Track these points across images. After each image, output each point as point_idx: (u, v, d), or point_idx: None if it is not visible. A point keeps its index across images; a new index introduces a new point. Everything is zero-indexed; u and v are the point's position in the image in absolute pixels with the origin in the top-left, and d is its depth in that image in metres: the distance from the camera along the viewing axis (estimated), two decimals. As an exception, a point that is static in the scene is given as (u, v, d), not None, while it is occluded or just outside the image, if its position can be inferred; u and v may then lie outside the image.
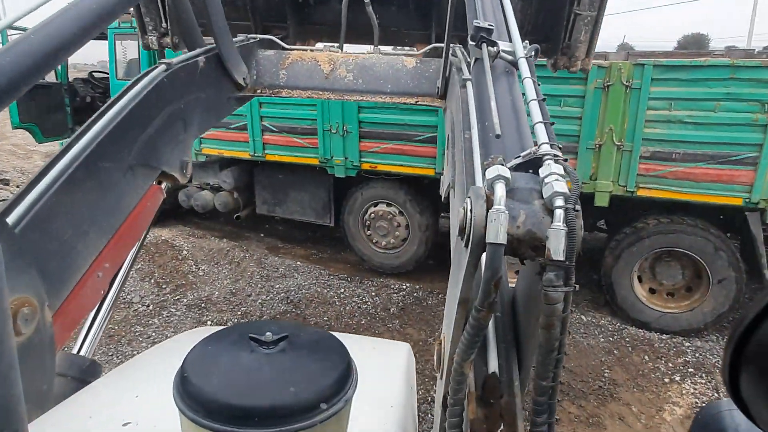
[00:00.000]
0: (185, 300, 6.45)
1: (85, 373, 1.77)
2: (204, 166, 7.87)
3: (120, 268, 2.13)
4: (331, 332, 1.05)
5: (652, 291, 6.02)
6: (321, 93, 2.96)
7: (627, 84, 5.20)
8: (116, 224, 1.84)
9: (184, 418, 0.82)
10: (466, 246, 0.93)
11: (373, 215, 7.03)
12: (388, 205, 6.93)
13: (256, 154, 7.26)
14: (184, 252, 7.77)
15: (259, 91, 2.91)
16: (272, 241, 8.53)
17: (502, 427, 1.02)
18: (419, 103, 2.86)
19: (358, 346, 1.12)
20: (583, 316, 6.17)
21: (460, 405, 0.98)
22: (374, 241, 7.17)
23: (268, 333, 0.93)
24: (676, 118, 5.16)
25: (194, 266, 7.36)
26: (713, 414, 1.04)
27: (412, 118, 6.29)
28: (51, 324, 1.47)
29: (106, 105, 1.85)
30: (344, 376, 0.91)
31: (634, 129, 5.32)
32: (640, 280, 5.97)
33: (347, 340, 1.02)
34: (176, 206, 8.37)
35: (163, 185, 2.17)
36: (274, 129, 7.04)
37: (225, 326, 1.08)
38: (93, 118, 1.79)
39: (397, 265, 7.11)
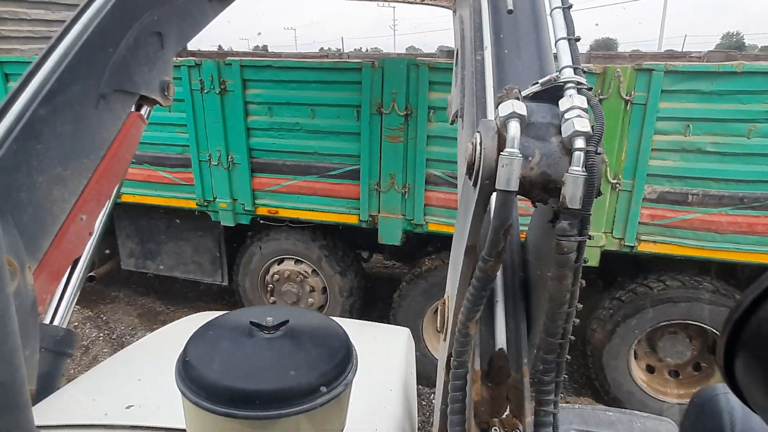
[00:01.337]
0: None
1: (61, 344, 1.63)
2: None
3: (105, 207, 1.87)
4: (331, 317, 1.04)
5: (650, 369, 4.53)
6: None
7: (627, 97, 3.64)
8: (95, 161, 1.71)
9: (186, 401, 0.82)
10: (474, 186, 0.86)
11: (277, 276, 5.10)
12: (297, 262, 5.03)
13: (107, 194, 5.12)
14: (10, 333, 5.47)
15: None
16: (148, 302, 6.37)
17: (507, 409, 0.93)
18: (426, 3, 2.66)
19: (358, 331, 1.07)
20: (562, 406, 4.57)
21: (463, 367, 0.94)
22: (281, 309, 5.24)
23: (268, 318, 0.91)
24: (695, 145, 3.66)
25: (19, 357, 5.09)
26: (709, 397, 1.03)
27: (325, 145, 4.45)
28: (32, 287, 1.41)
29: (62, 29, 1.63)
30: (344, 361, 0.89)
31: (635, 161, 3.78)
32: (635, 355, 4.45)
33: (347, 325, 1.01)
34: (6, 263, 6.04)
35: (144, 110, 1.97)
36: (132, 159, 4.94)
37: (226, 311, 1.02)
38: (49, 46, 1.59)
39: (313, 340, 5.22)
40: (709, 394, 1.06)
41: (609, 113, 3.69)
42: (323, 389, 0.83)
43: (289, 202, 4.69)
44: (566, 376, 1.04)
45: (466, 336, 0.92)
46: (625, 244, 3.97)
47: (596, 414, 1.64)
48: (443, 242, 4.58)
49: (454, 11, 2.15)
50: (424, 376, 4.18)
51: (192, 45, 6.59)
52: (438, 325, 1.15)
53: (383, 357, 1.68)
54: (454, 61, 1.75)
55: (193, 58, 4.52)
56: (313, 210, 4.64)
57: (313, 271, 4.99)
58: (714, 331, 4.06)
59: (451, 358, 0.96)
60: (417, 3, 2.66)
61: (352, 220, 4.57)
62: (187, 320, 1.98)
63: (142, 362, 1.62)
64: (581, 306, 0.95)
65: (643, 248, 3.97)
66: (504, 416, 0.93)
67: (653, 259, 4.12)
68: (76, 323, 5.62)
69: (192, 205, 4.95)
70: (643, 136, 3.69)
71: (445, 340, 1.10)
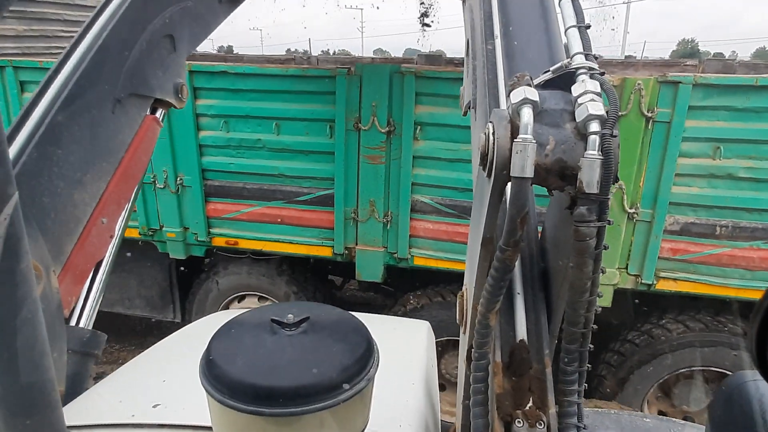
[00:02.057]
0: None
1: (87, 345, 1.64)
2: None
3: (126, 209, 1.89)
4: (351, 313, 1.03)
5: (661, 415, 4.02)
6: None
7: (649, 114, 3.11)
8: (113, 165, 1.75)
9: (211, 399, 0.83)
10: (489, 176, 0.86)
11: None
12: (261, 299, 4.34)
13: (32, 222, 4.32)
14: None
15: None
16: (89, 341, 5.54)
17: (530, 401, 0.92)
18: None
19: (378, 326, 1.08)
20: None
21: (485, 359, 0.95)
22: (242, 353, 4.54)
23: (289, 315, 0.93)
24: (725, 170, 3.16)
25: None
26: (738, 384, 1.02)
27: (293, 166, 3.79)
28: (57, 290, 1.46)
29: (76, 37, 1.68)
30: (366, 356, 0.90)
31: (656, 187, 3.26)
32: (647, 402, 3.94)
33: (367, 319, 1.00)
34: None
35: (159, 113, 1.98)
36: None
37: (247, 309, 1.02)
38: (64, 54, 1.64)
39: (280, 387, 4.54)
40: (738, 381, 1.04)
41: (627, 132, 3.16)
42: (346, 385, 0.83)
43: (250, 232, 4.01)
44: (589, 366, 0.98)
45: (487, 327, 0.92)
46: (642, 281, 3.45)
47: (633, 420, 1.63)
48: (431, 278, 3.97)
49: (464, 1, 2.01)
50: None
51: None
52: (457, 318, 1.14)
53: (404, 351, 1.69)
54: (465, 52, 1.67)
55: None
56: (279, 241, 3.97)
57: (280, 309, 4.31)
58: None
59: (472, 350, 0.95)
60: None
61: (325, 252, 3.92)
62: (208, 319, 2.03)
63: (167, 362, 1.63)
64: (599, 309, 0.90)
65: (663, 286, 3.46)
66: (527, 408, 0.92)
67: (672, 297, 3.61)
68: None
69: (134, 234, 4.20)
70: (666, 158, 3.17)
71: (464, 333, 1.10)
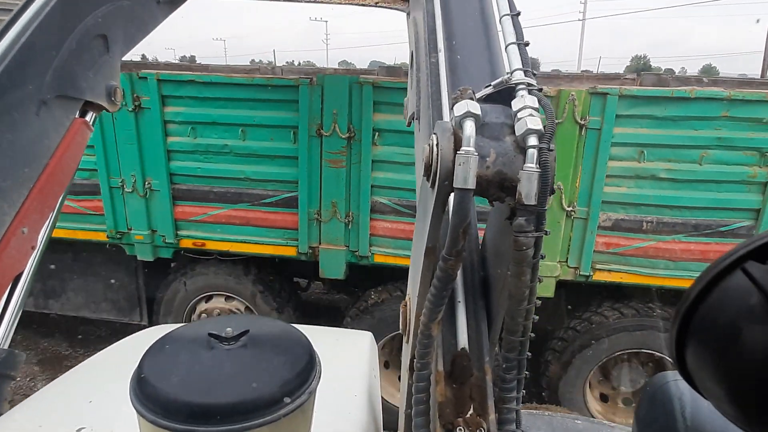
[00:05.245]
0: None
1: (3, 366, 1.51)
2: None
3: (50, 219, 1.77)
4: (292, 324, 1.02)
5: (603, 398, 4.39)
6: None
7: (582, 122, 3.47)
8: (37, 170, 1.64)
9: (142, 419, 0.80)
10: (432, 186, 0.88)
11: (205, 315, 4.55)
12: (228, 299, 4.50)
13: None
14: None
15: None
16: (52, 346, 5.56)
17: (471, 408, 0.94)
18: (379, 5, 2.75)
19: (320, 338, 1.07)
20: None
21: (427, 369, 0.94)
22: (209, 352, 4.67)
23: (228, 329, 0.89)
24: (648, 172, 3.55)
25: None
26: (660, 384, 1.06)
27: (258, 170, 3.99)
28: None
29: None
30: (307, 369, 0.89)
31: (590, 188, 3.62)
32: (589, 385, 4.29)
33: (309, 332, 1.00)
34: None
35: (89, 116, 1.85)
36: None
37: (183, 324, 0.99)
38: None
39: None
40: (661, 381, 1.10)
41: (563, 138, 3.51)
42: (287, 399, 0.82)
43: (217, 233, 4.18)
44: (527, 374, 1.01)
45: (429, 338, 0.92)
46: (581, 273, 3.80)
47: (565, 422, 1.65)
48: (390, 274, 4.23)
49: (408, 14, 2.12)
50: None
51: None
52: (400, 327, 1.16)
53: (347, 362, 1.68)
54: (409, 64, 1.72)
55: (101, 71, 3.92)
56: (245, 242, 4.15)
57: (247, 308, 4.48)
58: (669, 359, 3.97)
59: (414, 360, 0.96)
60: (370, 5, 2.73)
61: (290, 252, 4.12)
62: (142, 334, 1.92)
63: (93, 381, 1.55)
64: (540, 302, 0.94)
65: (599, 277, 3.82)
66: (468, 415, 0.94)
67: (607, 287, 3.98)
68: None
69: (102, 237, 4.30)
70: (598, 162, 3.54)
71: (407, 342, 1.11)
